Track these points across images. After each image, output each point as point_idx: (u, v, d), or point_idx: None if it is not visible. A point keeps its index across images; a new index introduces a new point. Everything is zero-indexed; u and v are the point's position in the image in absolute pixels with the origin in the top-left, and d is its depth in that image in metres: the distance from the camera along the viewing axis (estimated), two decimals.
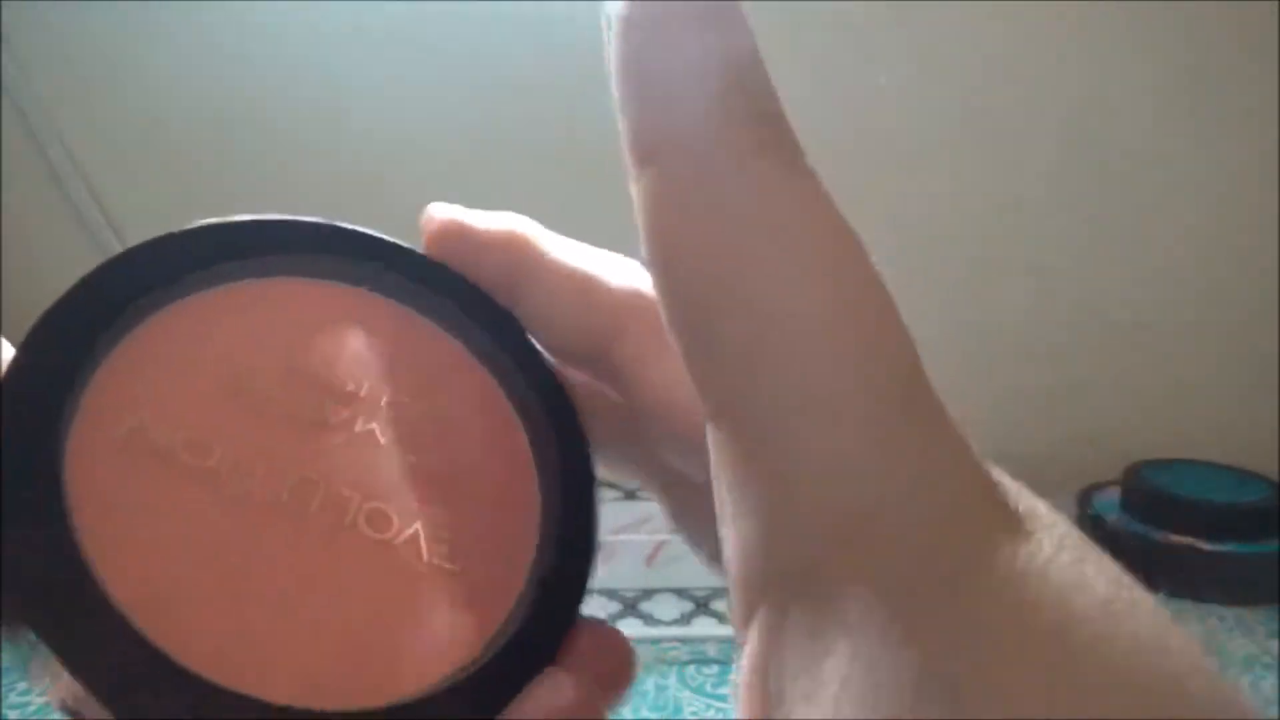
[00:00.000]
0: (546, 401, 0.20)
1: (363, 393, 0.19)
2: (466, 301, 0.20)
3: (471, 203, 0.20)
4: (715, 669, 0.64)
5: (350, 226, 0.20)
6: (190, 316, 0.18)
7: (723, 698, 0.61)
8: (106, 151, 0.88)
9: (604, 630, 0.19)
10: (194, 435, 0.17)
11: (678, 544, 0.77)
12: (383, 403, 0.19)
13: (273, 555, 0.17)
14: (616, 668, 0.19)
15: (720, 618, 0.68)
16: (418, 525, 0.18)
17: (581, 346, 0.19)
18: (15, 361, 0.16)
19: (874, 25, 0.81)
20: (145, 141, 0.88)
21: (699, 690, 0.62)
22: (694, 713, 0.60)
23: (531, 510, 0.19)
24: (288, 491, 0.17)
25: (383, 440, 0.18)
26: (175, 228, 0.18)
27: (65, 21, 0.86)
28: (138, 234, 0.18)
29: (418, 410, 0.19)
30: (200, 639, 0.16)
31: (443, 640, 0.17)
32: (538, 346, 0.20)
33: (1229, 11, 0.78)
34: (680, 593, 0.70)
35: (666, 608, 0.69)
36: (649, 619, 0.67)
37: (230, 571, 0.17)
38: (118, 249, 0.18)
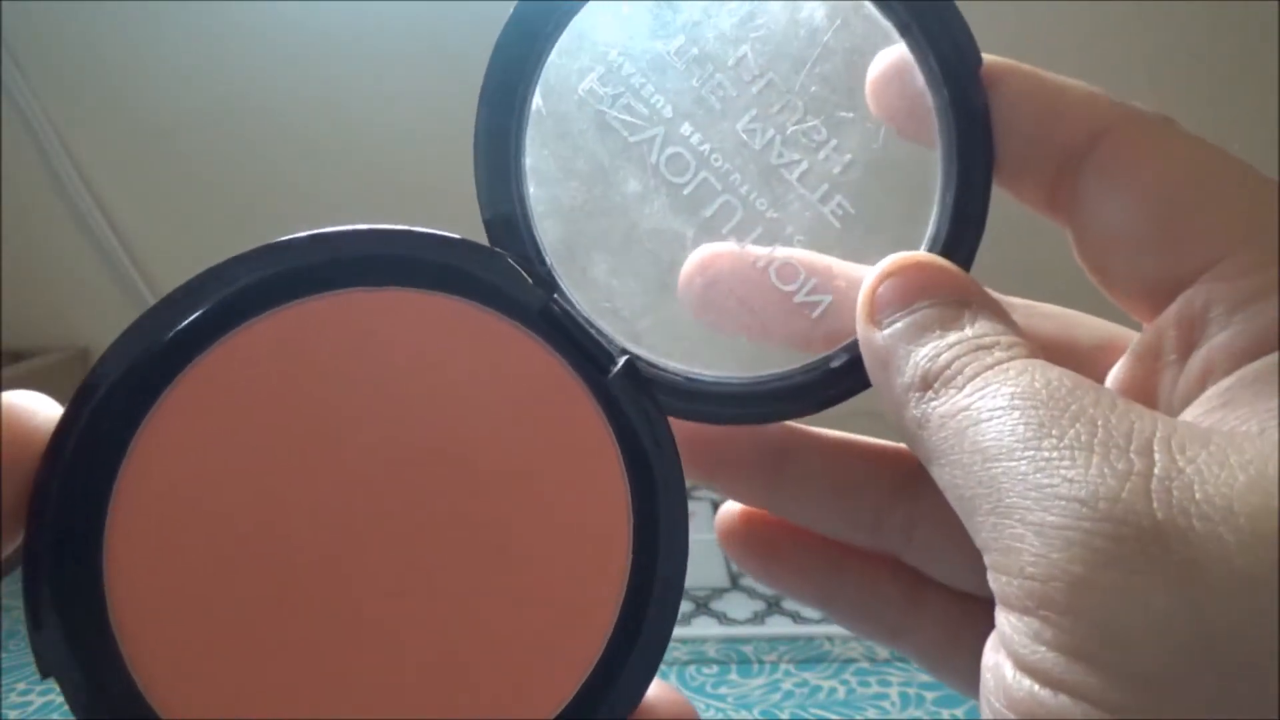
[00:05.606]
0: (654, 451, 0.18)
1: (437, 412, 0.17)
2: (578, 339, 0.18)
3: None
4: (715, 669, 0.64)
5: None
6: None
7: (722, 698, 0.61)
8: (107, 152, 0.88)
9: (675, 702, 0.18)
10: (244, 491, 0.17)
11: None
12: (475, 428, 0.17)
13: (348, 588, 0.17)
14: None
15: (720, 618, 0.68)
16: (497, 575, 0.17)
17: (1061, 142, 0.18)
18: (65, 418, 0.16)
19: None
20: (145, 141, 0.88)
21: (699, 690, 0.62)
22: None
23: (620, 564, 0.17)
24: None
25: (470, 477, 0.17)
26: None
27: (65, 21, 0.86)
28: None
29: (515, 446, 0.17)
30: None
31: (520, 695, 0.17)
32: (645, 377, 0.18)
33: (1230, 11, 0.78)
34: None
35: None
36: None
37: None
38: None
